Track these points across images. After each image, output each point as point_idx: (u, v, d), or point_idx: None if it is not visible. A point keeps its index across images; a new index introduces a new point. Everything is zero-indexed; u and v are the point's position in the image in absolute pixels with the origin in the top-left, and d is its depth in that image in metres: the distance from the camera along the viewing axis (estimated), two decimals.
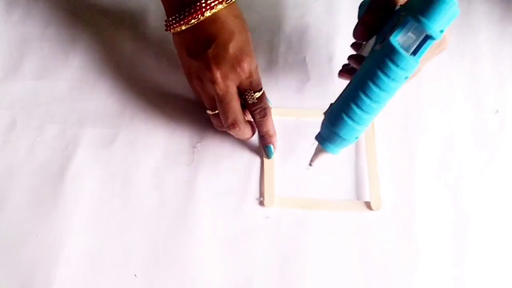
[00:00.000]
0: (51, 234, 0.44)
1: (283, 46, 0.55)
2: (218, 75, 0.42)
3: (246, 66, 0.42)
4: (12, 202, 0.45)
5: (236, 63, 0.42)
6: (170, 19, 0.43)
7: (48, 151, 0.48)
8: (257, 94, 0.45)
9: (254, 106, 0.45)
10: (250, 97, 0.45)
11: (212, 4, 0.41)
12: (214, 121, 0.47)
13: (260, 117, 0.46)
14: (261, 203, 0.46)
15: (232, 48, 0.42)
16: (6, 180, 0.46)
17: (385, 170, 0.48)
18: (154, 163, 0.48)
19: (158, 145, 0.49)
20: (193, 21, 0.42)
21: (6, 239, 0.44)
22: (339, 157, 0.48)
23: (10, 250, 0.43)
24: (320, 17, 0.57)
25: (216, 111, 0.45)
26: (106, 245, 0.44)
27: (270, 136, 0.47)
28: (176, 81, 0.52)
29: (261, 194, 0.47)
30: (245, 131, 0.46)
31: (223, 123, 0.45)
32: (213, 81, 0.42)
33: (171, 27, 0.43)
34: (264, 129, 0.47)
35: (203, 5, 0.41)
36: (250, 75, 0.43)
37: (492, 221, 0.46)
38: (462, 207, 0.47)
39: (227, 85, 0.42)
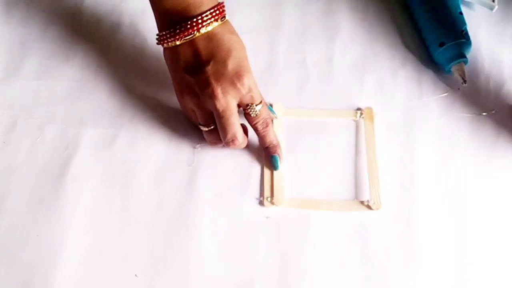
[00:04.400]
0: (51, 234, 0.44)
1: (283, 46, 0.55)
2: (218, 91, 0.42)
3: (246, 81, 0.43)
4: (12, 202, 0.45)
5: (236, 78, 0.42)
6: (164, 33, 0.43)
7: (48, 152, 0.48)
8: (259, 107, 0.45)
9: (257, 119, 0.46)
10: (252, 110, 0.45)
11: (208, 21, 0.42)
12: (209, 138, 0.47)
13: (262, 129, 0.46)
14: (261, 203, 0.46)
15: (231, 64, 0.42)
16: (6, 181, 0.46)
17: (385, 170, 0.48)
18: (155, 163, 0.48)
19: (158, 145, 0.49)
20: (188, 37, 0.42)
21: (6, 239, 0.44)
22: (339, 157, 0.49)
23: (10, 250, 0.43)
24: (320, 17, 0.57)
25: (211, 127, 0.45)
26: (107, 245, 0.44)
27: (274, 146, 0.47)
28: None
29: (261, 193, 0.47)
30: (243, 145, 0.47)
31: (222, 138, 0.45)
32: (214, 97, 0.42)
33: (164, 41, 0.44)
34: (268, 140, 0.47)
35: (199, 21, 0.42)
36: (250, 90, 0.43)
37: (491, 220, 0.46)
38: (461, 206, 0.47)
39: (227, 100, 0.43)
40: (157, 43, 0.44)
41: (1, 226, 0.44)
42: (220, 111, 0.43)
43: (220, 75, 0.42)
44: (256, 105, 0.45)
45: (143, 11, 0.56)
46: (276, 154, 0.47)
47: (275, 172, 0.47)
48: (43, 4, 0.56)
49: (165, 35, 0.43)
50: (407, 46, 0.56)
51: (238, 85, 0.43)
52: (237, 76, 0.42)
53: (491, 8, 0.56)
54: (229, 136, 0.44)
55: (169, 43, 0.43)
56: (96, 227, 0.44)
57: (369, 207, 0.46)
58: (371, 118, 0.50)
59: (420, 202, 0.47)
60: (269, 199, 0.46)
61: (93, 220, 0.45)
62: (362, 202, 0.47)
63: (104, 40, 0.54)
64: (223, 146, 0.46)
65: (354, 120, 0.51)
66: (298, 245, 0.45)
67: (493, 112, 0.52)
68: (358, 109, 0.51)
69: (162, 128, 0.50)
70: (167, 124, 0.50)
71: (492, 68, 0.54)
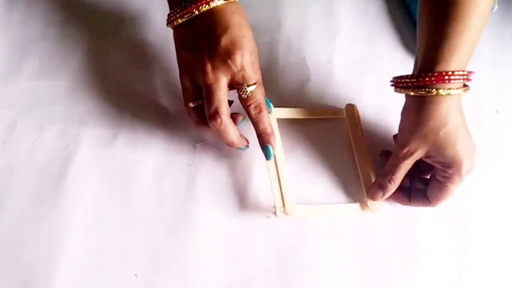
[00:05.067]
0: (51, 234, 0.44)
1: (283, 46, 0.55)
2: (208, 66, 0.42)
3: (237, 58, 0.42)
4: (12, 202, 0.45)
5: (227, 55, 0.42)
6: (170, 13, 0.44)
7: (48, 152, 0.47)
8: (251, 88, 0.43)
9: (249, 101, 0.44)
10: (243, 91, 0.43)
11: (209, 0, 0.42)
12: (193, 116, 0.46)
13: (255, 113, 0.44)
14: (274, 213, 0.45)
15: (224, 40, 0.42)
16: (6, 181, 0.46)
17: None
18: (155, 163, 0.48)
19: (158, 145, 0.49)
20: (188, 15, 0.42)
21: (6, 239, 0.43)
22: (337, 158, 0.49)
23: (10, 250, 0.43)
24: (320, 17, 0.57)
25: (199, 103, 0.45)
26: (107, 244, 0.44)
27: (268, 135, 0.45)
28: (176, 82, 0.52)
29: (273, 204, 0.45)
30: (228, 129, 0.44)
31: (206, 112, 0.43)
32: (203, 72, 0.42)
33: (170, 22, 0.44)
34: (261, 127, 0.45)
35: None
36: (242, 69, 0.42)
37: (492, 221, 0.46)
38: (462, 206, 0.47)
39: (216, 76, 0.42)
40: (166, 24, 0.45)
41: (1, 226, 0.44)
42: (207, 84, 0.42)
43: (212, 50, 0.42)
44: (248, 86, 0.43)
45: (144, 10, 0.56)
46: (268, 144, 0.45)
47: (282, 181, 0.46)
48: (43, 4, 0.56)
49: (171, 15, 0.43)
50: (407, 46, 0.56)
51: (229, 62, 0.42)
52: (228, 53, 0.41)
53: (491, 8, 0.56)
54: (212, 109, 0.42)
55: (174, 23, 0.43)
56: (96, 227, 0.44)
57: (369, 210, 0.46)
58: (357, 114, 0.50)
59: None
60: (281, 209, 0.45)
61: (93, 220, 0.45)
62: (363, 206, 0.46)
63: (104, 40, 0.54)
64: (205, 127, 0.45)
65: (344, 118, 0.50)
66: (298, 245, 0.45)
67: (494, 112, 0.52)
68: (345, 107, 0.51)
69: (162, 128, 0.50)
70: (167, 124, 0.50)
71: (492, 68, 0.54)
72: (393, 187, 0.45)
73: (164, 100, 0.51)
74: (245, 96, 0.44)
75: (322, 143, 0.49)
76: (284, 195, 0.45)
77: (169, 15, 0.44)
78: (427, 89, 0.41)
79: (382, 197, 0.46)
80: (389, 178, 0.45)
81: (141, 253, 0.44)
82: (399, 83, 0.44)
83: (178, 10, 0.43)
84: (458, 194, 0.47)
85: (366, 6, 0.58)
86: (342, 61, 0.54)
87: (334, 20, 0.57)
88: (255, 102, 0.44)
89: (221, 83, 0.42)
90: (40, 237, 0.44)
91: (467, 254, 0.45)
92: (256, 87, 0.44)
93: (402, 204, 0.47)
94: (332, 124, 0.50)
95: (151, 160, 0.48)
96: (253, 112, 0.44)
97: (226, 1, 0.42)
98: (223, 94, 0.43)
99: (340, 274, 0.44)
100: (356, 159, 0.48)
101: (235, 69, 0.42)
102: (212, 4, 0.42)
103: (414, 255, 0.45)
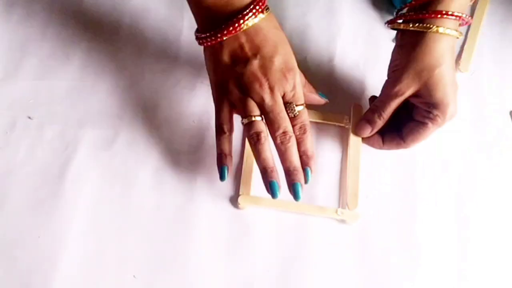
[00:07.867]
0: (50, 235, 0.44)
1: None
2: (266, 86, 0.42)
3: (291, 78, 0.42)
4: (11, 203, 0.45)
5: (282, 75, 0.42)
6: (205, 35, 0.42)
7: (48, 152, 0.48)
8: (299, 108, 0.43)
9: (295, 120, 0.43)
10: (291, 110, 0.43)
11: (249, 17, 0.41)
12: (254, 129, 0.43)
13: (300, 134, 0.43)
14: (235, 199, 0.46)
15: (277, 60, 0.42)
16: (6, 181, 0.46)
17: (386, 171, 0.48)
18: (154, 164, 0.48)
19: (158, 146, 0.49)
20: (230, 35, 0.41)
21: (5, 239, 0.44)
22: (326, 162, 0.48)
23: (9, 251, 0.43)
24: (321, 16, 0.57)
25: (255, 119, 0.43)
26: (106, 245, 0.44)
27: (308, 157, 0.44)
28: (176, 82, 0.52)
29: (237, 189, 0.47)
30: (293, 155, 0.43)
31: (273, 133, 0.43)
32: (262, 92, 0.42)
33: (206, 42, 0.43)
34: (302, 148, 0.44)
35: (240, 21, 0.41)
36: (294, 88, 0.43)
37: (493, 221, 0.46)
38: (463, 207, 0.47)
39: (275, 95, 0.42)
40: (199, 44, 0.44)
41: (0, 227, 0.44)
42: (270, 105, 0.42)
43: (268, 70, 0.42)
44: (296, 105, 0.43)
45: (143, 10, 0.56)
46: (307, 167, 0.43)
47: (254, 168, 0.47)
48: (43, 3, 0.56)
49: (207, 37, 0.42)
50: None
51: (284, 81, 0.42)
52: (283, 72, 0.42)
53: None
54: (281, 129, 0.42)
55: (212, 42, 0.42)
56: (95, 228, 0.45)
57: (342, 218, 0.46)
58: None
59: (421, 203, 0.47)
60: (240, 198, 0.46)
61: (93, 221, 0.45)
62: (336, 211, 0.46)
63: (104, 40, 0.54)
64: (257, 143, 0.43)
65: (345, 126, 0.50)
66: (298, 246, 0.45)
67: (496, 112, 0.52)
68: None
69: (162, 128, 0.49)
70: (167, 124, 0.50)
71: (494, 68, 0.54)
72: (381, 123, 0.46)
73: (165, 100, 0.51)
74: (293, 115, 0.43)
75: (317, 147, 0.49)
76: (243, 186, 0.47)
77: (202, 37, 0.43)
78: (427, 24, 0.42)
79: (370, 132, 0.47)
80: (378, 114, 0.46)
81: (140, 254, 0.44)
82: (397, 18, 0.44)
83: (215, 35, 0.41)
84: (459, 194, 0.47)
85: (367, 5, 0.58)
86: (343, 60, 0.54)
87: (335, 19, 0.56)
88: (300, 122, 0.44)
89: (280, 102, 0.42)
90: (39, 238, 0.44)
91: (467, 254, 0.45)
92: (304, 108, 0.44)
93: (376, 147, 0.47)
94: (331, 129, 0.50)
95: (151, 161, 0.48)
96: (297, 133, 0.44)
97: (265, 14, 0.42)
98: (285, 114, 0.43)
99: (340, 274, 0.44)
100: (347, 166, 0.48)
101: (288, 89, 0.42)
102: (258, 19, 0.41)
103: (414, 255, 0.45)
